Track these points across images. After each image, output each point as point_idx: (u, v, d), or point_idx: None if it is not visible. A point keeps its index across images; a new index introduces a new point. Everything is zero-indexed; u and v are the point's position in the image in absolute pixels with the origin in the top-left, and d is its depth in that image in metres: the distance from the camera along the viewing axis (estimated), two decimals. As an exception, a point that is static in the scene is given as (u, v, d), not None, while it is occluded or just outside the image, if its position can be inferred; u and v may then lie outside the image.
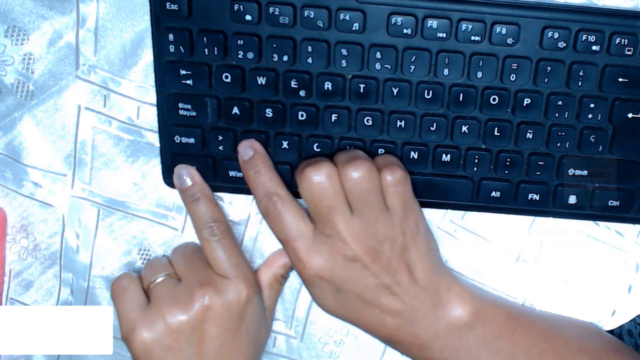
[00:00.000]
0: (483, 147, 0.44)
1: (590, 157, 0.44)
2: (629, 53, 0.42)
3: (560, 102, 0.43)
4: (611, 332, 0.50)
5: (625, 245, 0.48)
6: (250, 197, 0.47)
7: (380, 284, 0.43)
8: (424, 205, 0.46)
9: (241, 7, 0.41)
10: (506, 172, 0.45)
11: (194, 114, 0.44)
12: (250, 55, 0.42)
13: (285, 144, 0.45)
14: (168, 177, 0.46)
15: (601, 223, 0.47)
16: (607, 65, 0.42)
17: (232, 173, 0.45)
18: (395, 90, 0.43)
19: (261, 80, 0.43)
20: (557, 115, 0.43)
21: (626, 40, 0.41)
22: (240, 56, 0.43)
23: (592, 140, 0.44)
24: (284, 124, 0.44)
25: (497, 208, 0.46)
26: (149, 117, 0.46)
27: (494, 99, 0.43)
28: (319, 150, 0.45)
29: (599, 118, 0.43)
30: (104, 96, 0.46)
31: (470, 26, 0.41)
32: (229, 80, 0.43)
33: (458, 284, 0.45)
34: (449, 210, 0.48)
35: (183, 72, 0.43)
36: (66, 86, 0.46)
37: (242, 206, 0.48)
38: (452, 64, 0.42)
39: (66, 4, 0.44)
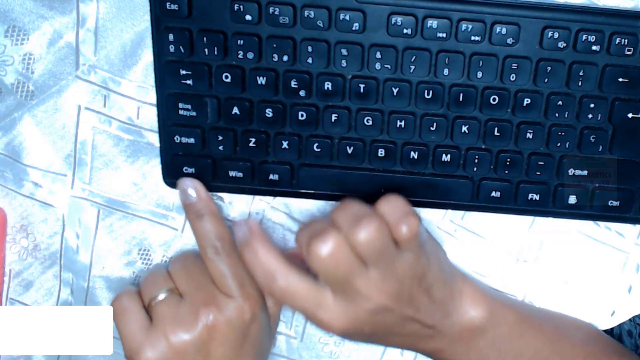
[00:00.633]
0: (483, 147, 0.44)
1: (590, 157, 0.44)
2: (629, 53, 0.42)
3: (560, 102, 0.43)
4: (611, 332, 0.50)
5: (626, 245, 0.48)
6: (250, 197, 0.48)
7: (406, 317, 0.42)
8: (424, 205, 0.46)
9: (241, 7, 0.41)
10: (506, 172, 0.45)
11: (194, 114, 0.44)
12: (250, 55, 0.42)
13: (285, 144, 0.45)
14: (168, 177, 0.46)
15: (601, 223, 0.47)
16: (607, 65, 0.42)
17: (232, 173, 0.45)
18: (395, 90, 0.43)
19: (261, 80, 0.43)
20: (557, 115, 0.43)
21: (626, 40, 0.41)
22: (240, 56, 0.43)
23: (592, 140, 0.44)
24: (284, 124, 0.44)
25: (497, 208, 0.46)
26: (149, 117, 0.46)
27: (494, 99, 0.43)
28: (319, 150, 0.45)
29: (599, 118, 0.43)
30: (104, 96, 0.46)
31: (470, 26, 0.41)
32: (229, 80, 0.43)
33: (469, 286, 0.45)
34: (449, 210, 0.48)
35: (183, 72, 0.43)
36: (66, 86, 0.46)
37: (242, 206, 0.48)
38: (452, 64, 0.42)
39: (66, 4, 0.44)
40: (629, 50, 0.42)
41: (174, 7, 0.41)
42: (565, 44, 0.42)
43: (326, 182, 0.46)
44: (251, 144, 0.45)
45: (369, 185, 0.45)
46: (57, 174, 0.48)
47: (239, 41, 0.42)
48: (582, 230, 0.48)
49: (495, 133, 0.44)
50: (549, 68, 0.42)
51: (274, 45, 0.42)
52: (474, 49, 0.42)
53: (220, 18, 0.42)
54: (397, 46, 0.42)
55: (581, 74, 0.42)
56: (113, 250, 0.49)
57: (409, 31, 0.42)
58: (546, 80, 0.43)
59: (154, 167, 0.47)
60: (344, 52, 0.42)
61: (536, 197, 0.45)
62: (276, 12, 0.41)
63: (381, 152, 0.45)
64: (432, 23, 0.41)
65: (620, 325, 0.51)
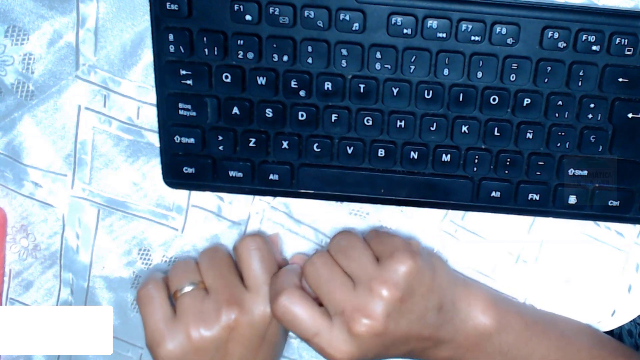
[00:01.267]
0: (483, 147, 0.44)
1: (590, 157, 0.44)
2: (629, 53, 0.42)
3: (560, 102, 0.43)
4: (611, 332, 0.50)
5: (625, 245, 0.48)
6: (250, 197, 0.48)
7: (416, 337, 0.43)
8: (424, 205, 0.46)
9: (241, 7, 0.41)
10: (506, 172, 0.45)
11: (194, 114, 0.44)
12: (250, 55, 0.42)
13: (285, 144, 0.45)
14: (168, 177, 0.46)
15: (601, 223, 0.47)
16: (607, 65, 0.42)
17: (232, 173, 0.45)
18: (395, 90, 0.43)
19: (261, 80, 0.43)
20: (557, 115, 0.43)
21: (626, 40, 0.41)
22: (240, 56, 0.43)
23: (592, 140, 0.44)
24: (284, 124, 0.44)
25: (497, 208, 0.46)
26: (149, 117, 0.46)
27: (494, 99, 0.43)
28: (319, 150, 0.45)
29: (599, 118, 0.43)
30: (104, 96, 0.46)
31: (470, 26, 0.41)
32: (229, 80, 0.43)
33: (475, 292, 0.45)
34: (449, 211, 0.47)
35: (183, 72, 0.43)
36: (66, 86, 0.46)
37: (242, 206, 0.48)
38: (452, 64, 0.42)
39: (66, 4, 0.44)
40: (629, 50, 0.42)
41: (174, 7, 0.41)
42: (565, 44, 0.42)
43: (326, 182, 0.46)
44: (251, 144, 0.45)
45: (368, 185, 0.45)
46: (57, 174, 0.48)
47: (239, 41, 0.42)
48: (582, 230, 0.48)
49: (495, 133, 0.44)
50: (549, 68, 0.42)
51: (274, 45, 0.42)
52: (474, 49, 0.42)
53: (220, 18, 0.42)
54: (397, 46, 0.42)
55: (581, 74, 0.42)
56: (113, 250, 0.49)
57: (409, 31, 0.42)
58: (546, 80, 0.43)
59: (154, 167, 0.47)
60: (344, 52, 0.42)
61: (536, 197, 0.45)
62: (276, 12, 0.41)
63: (381, 152, 0.45)
64: (432, 23, 0.41)
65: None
